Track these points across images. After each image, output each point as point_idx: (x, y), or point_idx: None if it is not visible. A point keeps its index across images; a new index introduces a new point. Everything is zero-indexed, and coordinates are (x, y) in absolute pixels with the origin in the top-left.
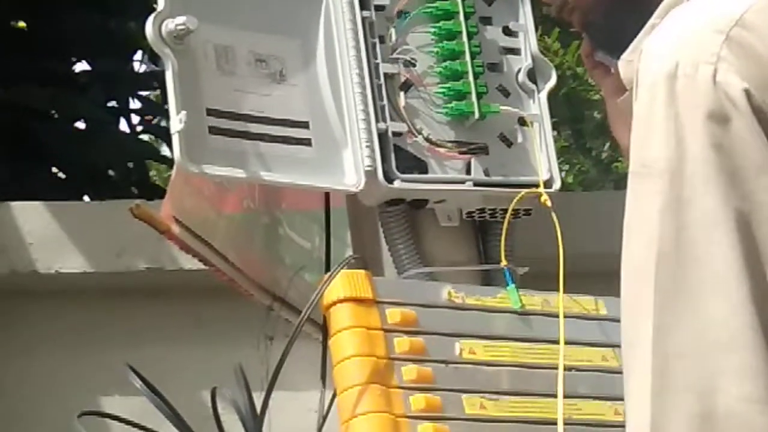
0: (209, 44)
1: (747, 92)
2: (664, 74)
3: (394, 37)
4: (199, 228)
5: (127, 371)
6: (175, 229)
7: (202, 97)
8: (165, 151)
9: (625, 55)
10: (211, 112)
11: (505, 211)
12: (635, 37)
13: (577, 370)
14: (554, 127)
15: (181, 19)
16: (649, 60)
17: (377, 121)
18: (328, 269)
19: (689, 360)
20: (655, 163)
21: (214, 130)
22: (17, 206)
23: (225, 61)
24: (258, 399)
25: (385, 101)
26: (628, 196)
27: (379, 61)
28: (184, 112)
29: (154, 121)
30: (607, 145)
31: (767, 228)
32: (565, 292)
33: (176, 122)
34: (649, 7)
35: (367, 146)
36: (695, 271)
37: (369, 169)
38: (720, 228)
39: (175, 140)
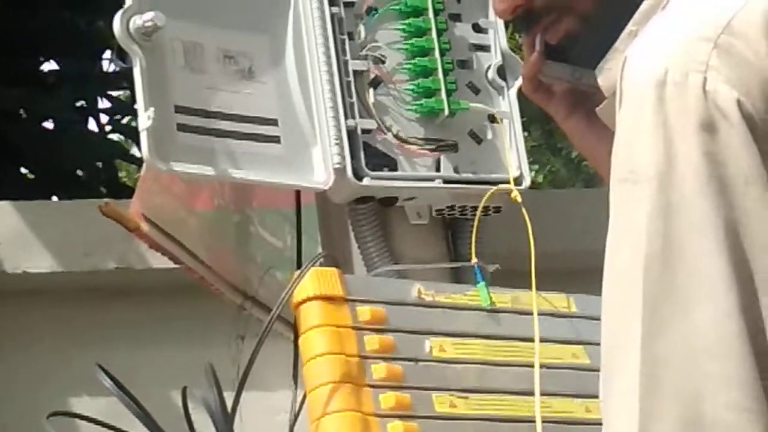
0: (177, 41)
1: (738, 102)
2: (651, 81)
3: (363, 34)
4: (168, 226)
5: (97, 370)
6: (144, 226)
7: (170, 94)
8: (134, 151)
9: (602, 64)
10: (179, 109)
11: (475, 208)
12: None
13: (549, 367)
14: (524, 126)
15: (149, 15)
16: (635, 67)
17: (346, 118)
18: (299, 267)
19: (677, 366)
20: (644, 170)
21: (182, 128)
22: None
23: (193, 58)
24: (229, 399)
25: (354, 98)
26: (613, 202)
27: (348, 57)
28: (152, 109)
29: (124, 121)
30: None
31: (755, 237)
32: (539, 289)
33: (144, 119)
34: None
35: (336, 143)
36: (683, 278)
37: (338, 166)
38: (709, 235)
39: (143, 137)
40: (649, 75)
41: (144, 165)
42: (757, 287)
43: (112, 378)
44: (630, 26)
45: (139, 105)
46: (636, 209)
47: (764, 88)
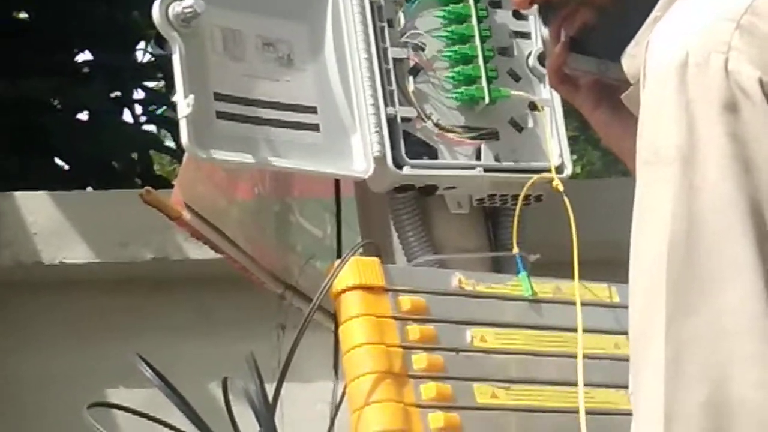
0: (216, 28)
1: (760, 81)
2: (674, 63)
3: (402, 21)
4: (210, 215)
5: (138, 361)
6: (186, 215)
7: (209, 81)
8: (168, 142)
9: (628, 50)
10: (218, 97)
11: (516, 197)
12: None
13: (591, 357)
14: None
15: (188, 2)
16: (658, 50)
17: (386, 106)
18: (339, 257)
19: (702, 348)
20: (666, 151)
21: (222, 115)
22: (21, 196)
23: (232, 45)
24: (269, 389)
25: (394, 86)
26: (637, 184)
27: (387, 45)
28: (191, 97)
29: (158, 112)
30: None
31: None
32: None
33: (184, 107)
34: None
35: (375, 132)
36: (708, 259)
37: (378, 155)
38: (733, 215)
39: (183, 125)
40: (672, 57)
41: (185, 154)
42: None
43: (152, 369)
44: (655, 12)
45: (179, 92)
46: (660, 191)
47: None
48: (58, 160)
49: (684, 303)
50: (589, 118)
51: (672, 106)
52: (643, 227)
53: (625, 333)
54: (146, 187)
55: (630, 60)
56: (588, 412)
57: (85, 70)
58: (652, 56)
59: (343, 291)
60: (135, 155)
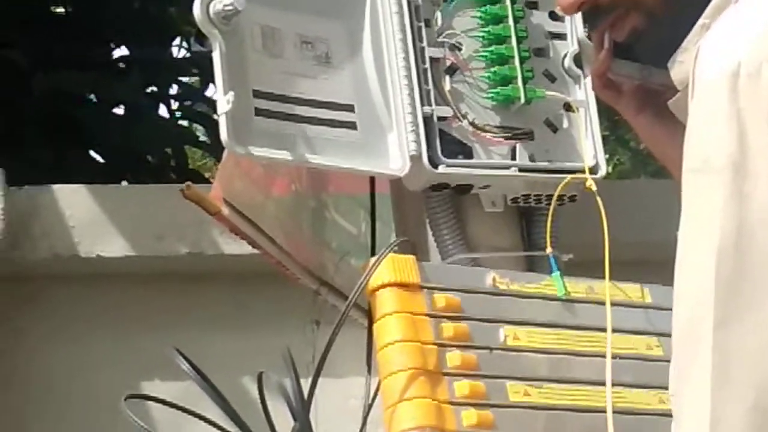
0: (256, 26)
1: None
2: (725, 73)
3: (439, 21)
4: (247, 210)
5: (174, 354)
6: (225, 210)
7: (248, 78)
8: (202, 137)
9: (676, 56)
10: (257, 94)
11: (550, 197)
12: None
13: (623, 358)
14: None
15: (229, 0)
16: (708, 59)
17: (422, 105)
18: (373, 254)
19: (750, 356)
20: (716, 159)
21: (260, 112)
22: (59, 189)
23: (272, 43)
24: (303, 385)
25: (431, 85)
26: (685, 191)
27: (424, 44)
28: (231, 93)
29: (193, 107)
30: None
31: None
32: (613, 279)
33: (223, 103)
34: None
35: (412, 130)
36: (756, 267)
37: (414, 153)
38: None
39: (222, 121)
40: (723, 67)
41: (221, 149)
42: None
43: (188, 362)
44: (702, 19)
45: (218, 89)
46: (709, 200)
47: None
48: (93, 154)
49: (732, 311)
50: (632, 122)
51: (723, 116)
52: (691, 233)
53: (658, 334)
54: (187, 182)
55: (678, 66)
56: (619, 412)
57: (121, 64)
58: (702, 65)
59: (379, 288)
60: (169, 150)
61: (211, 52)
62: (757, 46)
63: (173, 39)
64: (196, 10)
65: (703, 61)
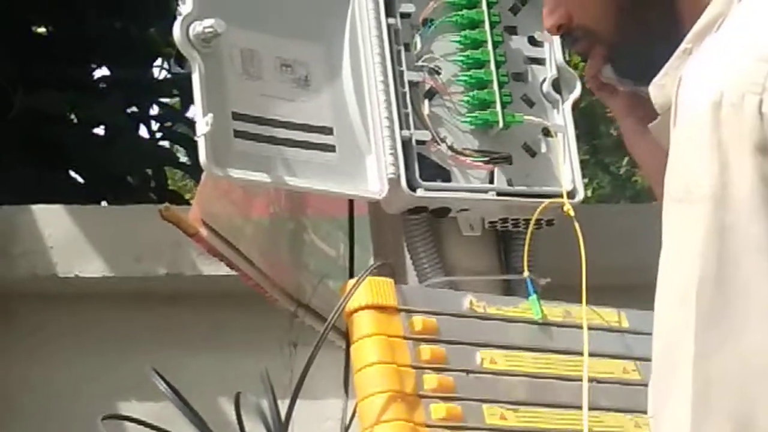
0: (236, 48)
1: None
2: (708, 103)
3: (419, 45)
4: (226, 232)
5: (152, 374)
6: (203, 232)
7: (227, 100)
8: (182, 158)
9: (656, 80)
10: (236, 116)
11: (528, 221)
12: (663, 62)
13: (599, 382)
14: None
15: (209, 22)
16: (691, 87)
17: (401, 128)
18: (351, 277)
19: (730, 386)
20: (699, 190)
21: (239, 134)
22: (39, 210)
23: (251, 65)
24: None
25: (410, 109)
26: (666, 221)
27: (404, 68)
28: (210, 115)
29: (173, 128)
30: (626, 160)
31: None
32: (591, 303)
33: (202, 125)
34: (677, 34)
35: (390, 154)
36: (737, 299)
37: (392, 176)
38: (763, 256)
39: (201, 143)
40: (705, 96)
41: (201, 170)
42: None
43: (166, 382)
44: (684, 44)
45: (198, 111)
46: (691, 229)
47: None
48: (73, 174)
49: (713, 340)
50: (620, 123)
51: (705, 146)
52: (673, 264)
53: (634, 358)
54: (165, 204)
55: (658, 90)
56: None
57: (102, 85)
58: (684, 93)
59: (357, 310)
60: (149, 170)
61: (191, 73)
62: (739, 75)
63: (154, 60)
64: (176, 31)
65: (686, 89)
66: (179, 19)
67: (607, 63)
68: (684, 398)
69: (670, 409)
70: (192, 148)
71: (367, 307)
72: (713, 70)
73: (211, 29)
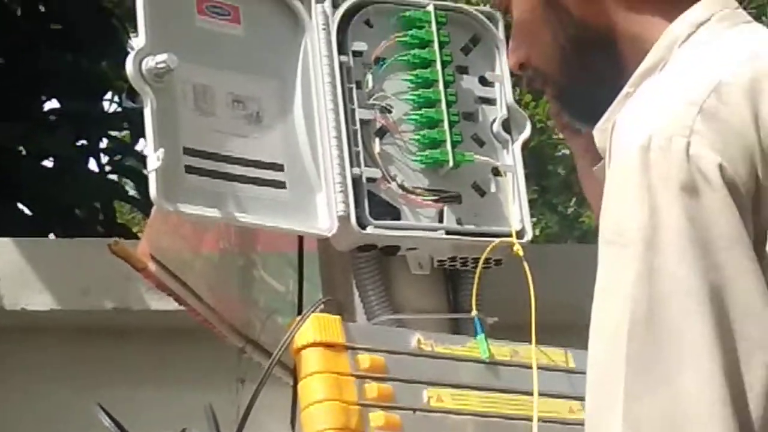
0: (188, 83)
1: (720, 166)
2: (637, 146)
3: (370, 83)
4: (175, 266)
5: (97, 410)
6: (152, 266)
7: (179, 135)
8: (131, 191)
9: (599, 124)
10: (188, 151)
11: (477, 260)
12: (608, 105)
13: (546, 421)
14: None
15: (161, 57)
16: (623, 131)
17: (352, 166)
18: (300, 313)
19: (660, 429)
20: (629, 233)
21: (190, 170)
22: None
23: (203, 101)
24: None
25: (360, 147)
26: (600, 262)
27: (355, 106)
28: (161, 150)
29: (123, 162)
30: (573, 200)
31: (737, 300)
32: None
33: (153, 160)
34: (621, 78)
35: (340, 191)
36: (667, 342)
37: (342, 213)
38: (692, 299)
39: (152, 178)
40: (635, 139)
41: (154, 206)
42: (740, 352)
43: (111, 418)
44: (626, 88)
45: (149, 146)
46: (621, 272)
47: (746, 153)
48: (20, 206)
49: (644, 382)
50: (576, 163)
51: (634, 189)
52: (604, 305)
53: (580, 398)
54: (114, 239)
55: (600, 134)
56: None
57: (52, 117)
58: (617, 137)
59: (304, 347)
60: (98, 204)
61: (142, 107)
62: (668, 118)
63: (104, 93)
64: (129, 66)
65: (618, 133)
66: (132, 53)
67: (560, 104)
68: None
69: None
70: (141, 182)
71: (315, 344)
72: (645, 113)
73: (163, 64)
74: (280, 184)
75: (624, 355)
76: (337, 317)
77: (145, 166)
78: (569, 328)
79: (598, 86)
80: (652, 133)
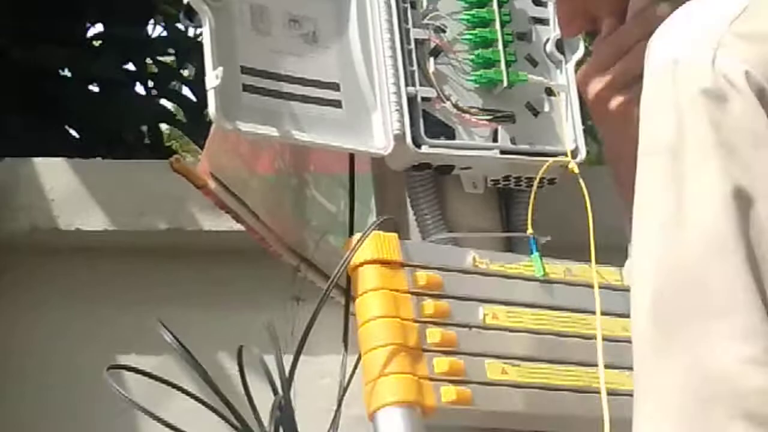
0: (245, 3)
1: (746, 73)
2: (668, 60)
3: (425, 3)
4: (233, 185)
5: (158, 326)
6: (212, 184)
7: (236, 55)
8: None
9: None
10: (245, 70)
11: (530, 179)
12: None
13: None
14: None
15: None
16: (656, 49)
17: (407, 85)
18: (351, 233)
19: (687, 325)
20: (659, 142)
21: (248, 88)
22: (40, 163)
23: (260, 21)
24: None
25: (415, 66)
26: (637, 175)
27: (410, 26)
28: (220, 68)
29: (169, 86)
30: None
31: (764, 199)
32: (588, 261)
33: (212, 78)
34: None
35: (396, 110)
36: (693, 241)
37: (398, 132)
38: (717, 200)
39: (211, 96)
40: (666, 55)
41: (199, 129)
42: (764, 250)
43: (172, 334)
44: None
45: (207, 64)
46: (653, 180)
47: None
48: (68, 129)
49: (670, 282)
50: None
51: (664, 100)
52: (640, 214)
53: None
54: (175, 156)
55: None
56: (594, 392)
57: (97, 41)
58: (650, 55)
59: (361, 264)
60: (144, 127)
61: (188, 30)
62: (699, 33)
63: (149, 18)
64: None
65: (652, 52)
66: None
67: None
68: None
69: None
70: (186, 107)
71: (372, 261)
72: (677, 30)
73: None
74: (336, 103)
75: (656, 257)
76: (395, 235)
77: (191, 91)
78: (618, 250)
79: None
80: (682, 47)
